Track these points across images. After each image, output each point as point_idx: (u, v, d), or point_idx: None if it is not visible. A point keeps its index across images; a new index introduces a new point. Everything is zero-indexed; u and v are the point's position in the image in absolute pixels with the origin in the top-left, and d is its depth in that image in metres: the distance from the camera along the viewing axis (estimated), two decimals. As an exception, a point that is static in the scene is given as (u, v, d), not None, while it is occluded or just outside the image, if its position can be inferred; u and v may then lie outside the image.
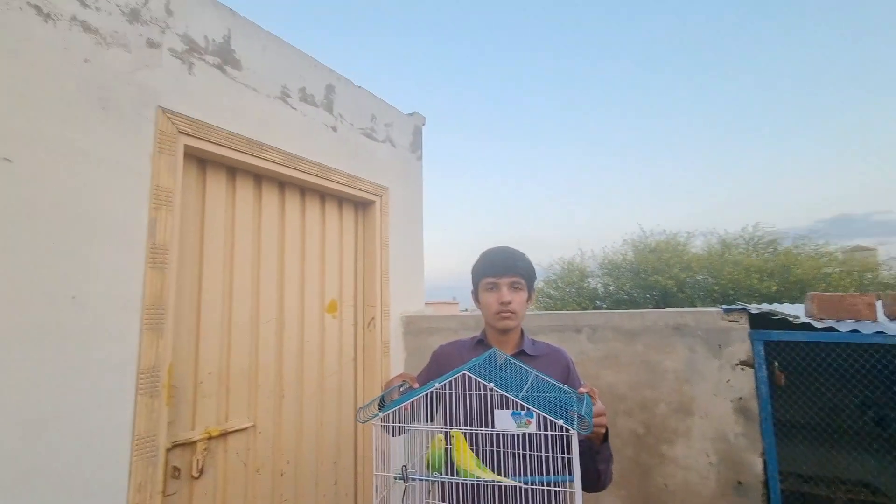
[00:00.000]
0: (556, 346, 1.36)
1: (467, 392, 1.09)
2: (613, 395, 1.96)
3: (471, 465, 0.97)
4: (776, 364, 1.73)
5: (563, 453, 1.10)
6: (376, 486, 1.03)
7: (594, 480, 1.14)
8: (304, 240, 2.16)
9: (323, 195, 2.29)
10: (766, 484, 1.67)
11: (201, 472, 1.63)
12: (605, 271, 13.86)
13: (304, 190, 2.18)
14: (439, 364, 1.41)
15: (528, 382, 1.03)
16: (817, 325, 1.66)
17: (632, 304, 12.57)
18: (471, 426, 1.08)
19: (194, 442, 1.63)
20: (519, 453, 1.14)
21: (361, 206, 2.51)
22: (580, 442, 1.12)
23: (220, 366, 1.75)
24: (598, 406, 1.07)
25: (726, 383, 1.77)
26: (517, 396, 0.91)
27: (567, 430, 0.88)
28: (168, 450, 1.52)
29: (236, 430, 1.77)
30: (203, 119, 1.67)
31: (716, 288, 10.75)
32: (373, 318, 2.42)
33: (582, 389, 1.09)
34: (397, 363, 2.51)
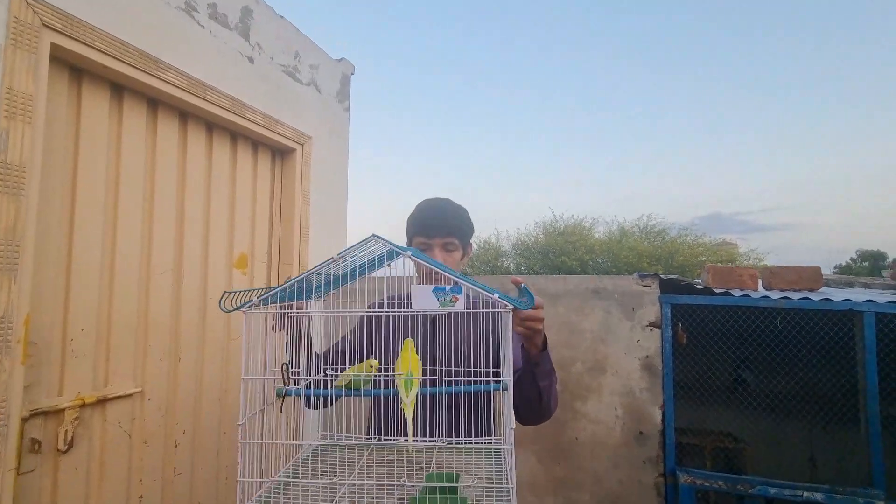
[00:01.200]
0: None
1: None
2: (534, 355, 2.01)
3: (416, 375, 0.82)
4: (680, 325, 1.90)
5: (496, 366, 1.04)
6: (243, 406, 0.80)
7: (536, 403, 1.03)
8: (209, 183, 1.88)
9: (235, 135, 2.01)
10: (662, 433, 1.84)
11: (70, 444, 1.37)
12: (518, 252, 14.54)
13: (211, 125, 1.89)
14: (371, 322, 1.31)
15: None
16: (717, 290, 1.84)
17: (540, 283, 13.38)
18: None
19: (62, 410, 1.35)
20: (449, 370, 1.08)
21: (280, 153, 2.26)
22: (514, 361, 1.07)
23: (99, 321, 1.47)
24: (538, 299, 0.89)
25: (636, 343, 1.90)
26: (441, 267, 0.78)
27: (504, 307, 0.74)
28: (25, 419, 1.24)
29: (118, 397, 1.51)
30: (78, 15, 1.34)
31: (613, 270, 11.81)
32: (289, 277, 2.21)
33: (518, 279, 0.95)
34: (315, 327, 2.34)
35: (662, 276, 1.91)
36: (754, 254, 13.68)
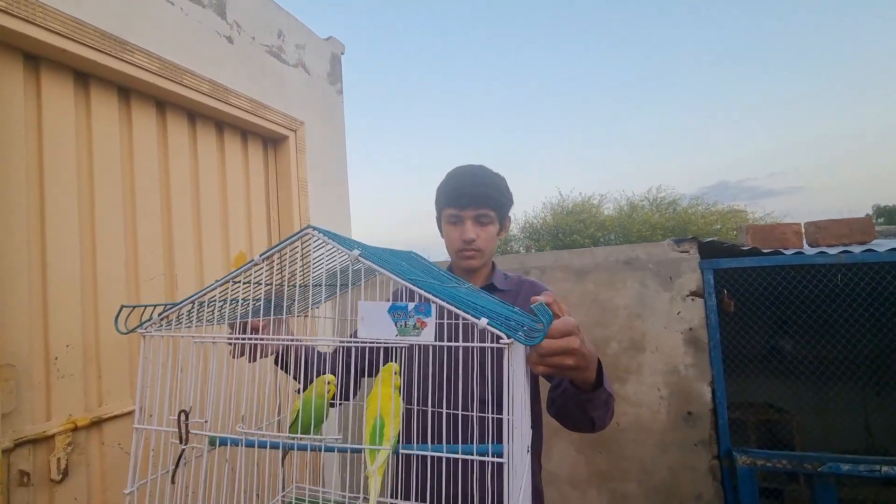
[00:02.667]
0: (531, 279, 1.15)
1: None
2: (564, 337, 1.85)
3: (389, 424, 0.61)
4: (725, 292, 1.72)
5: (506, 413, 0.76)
6: (133, 468, 0.64)
7: (587, 427, 0.88)
8: (196, 176, 1.73)
9: (220, 123, 1.85)
10: (714, 411, 1.67)
11: (65, 473, 1.24)
12: (527, 234, 14.32)
13: (193, 114, 1.73)
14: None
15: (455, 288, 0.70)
16: (765, 249, 1.66)
17: (551, 265, 13.20)
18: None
19: (51, 436, 1.22)
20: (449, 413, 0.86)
21: (272, 141, 2.10)
22: (560, 386, 0.87)
23: (86, 336, 1.33)
24: (566, 321, 0.66)
25: (677, 315, 1.72)
26: (405, 277, 0.53)
27: (498, 340, 0.49)
28: (8, 450, 1.11)
29: (116, 416, 1.38)
30: (26, -8, 1.17)
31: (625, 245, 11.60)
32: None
33: (538, 298, 0.67)
34: (322, 323, 2.20)
35: (701, 238, 1.73)
36: (770, 217, 13.33)
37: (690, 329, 1.71)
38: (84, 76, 1.39)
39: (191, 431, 0.61)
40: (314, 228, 0.59)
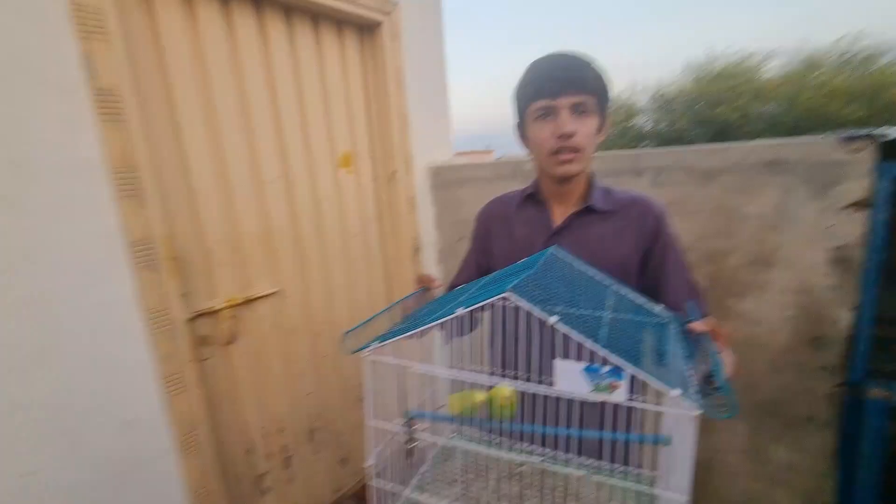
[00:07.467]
0: (638, 195, 0.99)
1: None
2: (675, 246, 1.68)
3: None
4: (904, 205, 1.36)
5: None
6: (370, 446, 0.77)
7: None
8: (298, 78, 1.76)
9: (315, 16, 1.79)
10: (852, 339, 1.46)
11: (234, 337, 1.60)
12: (658, 106, 12.44)
13: (288, 9, 1.70)
14: (488, 229, 1.13)
15: (606, 309, 0.68)
16: None
17: (679, 142, 11.53)
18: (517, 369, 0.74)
19: (218, 311, 1.55)
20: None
21: (366, 29, 2.00)
22: None
23: (229, 233, 1.58)
24: (731, 359, 0.74)
25: (825, 230, 1.44)
26: (600, 345, 0.55)
27: (689, 409, 0.52)
28: (189, 320, 1.45)
29: (262, 297, 1.69)
30: None
31: (785, 119, 9.48)
32: (394, 171, 2.13)
33: (697, 325, 0.70)
34: (426, 220, 2.30)
35: (885, 134, 1.33)
36: None
37: (839, 247, 1.43)
38: (186, -17, 1.41)
39: (412, 435, 0.76)
40: (513, 293, 0.60)
